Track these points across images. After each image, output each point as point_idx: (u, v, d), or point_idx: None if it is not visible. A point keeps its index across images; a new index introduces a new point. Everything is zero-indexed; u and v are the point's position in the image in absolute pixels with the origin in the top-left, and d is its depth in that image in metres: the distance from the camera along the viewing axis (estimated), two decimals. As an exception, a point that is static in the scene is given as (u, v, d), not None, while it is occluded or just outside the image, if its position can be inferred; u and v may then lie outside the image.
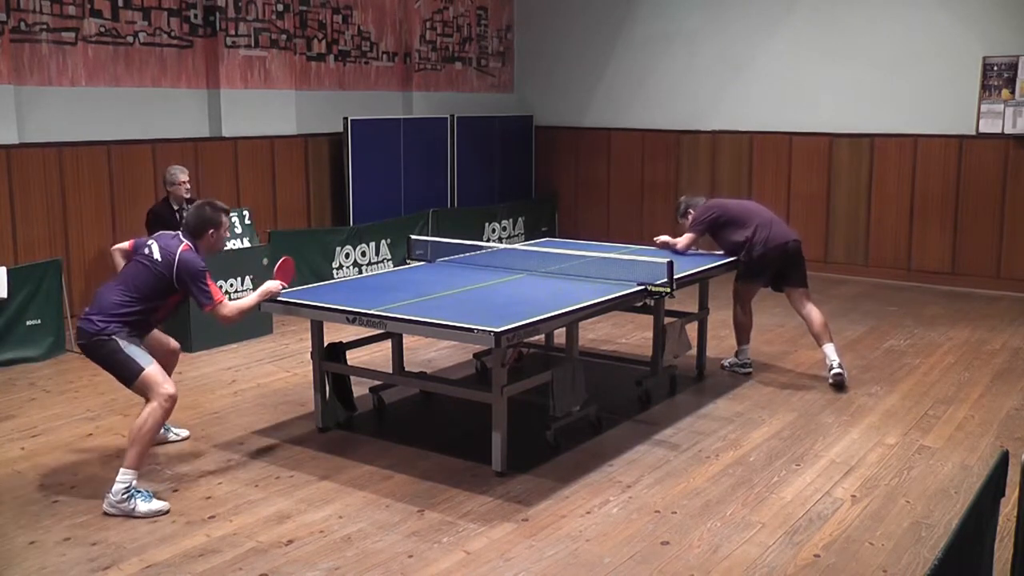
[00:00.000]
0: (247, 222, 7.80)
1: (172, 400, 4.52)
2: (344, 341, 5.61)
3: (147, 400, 4.50)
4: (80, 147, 7.75)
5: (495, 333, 4.39)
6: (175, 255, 4.62)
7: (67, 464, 4.98)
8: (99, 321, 4.52)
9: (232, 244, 7.56)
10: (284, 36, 9.18)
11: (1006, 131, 9.26)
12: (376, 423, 5.69)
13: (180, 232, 4.81)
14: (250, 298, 4.95)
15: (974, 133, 9.45)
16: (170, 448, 5.16)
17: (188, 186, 7.51)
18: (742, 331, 6.64)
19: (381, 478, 4.78)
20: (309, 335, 5.57)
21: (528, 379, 5.18)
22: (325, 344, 5.44)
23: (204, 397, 6.11)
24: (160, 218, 7.44)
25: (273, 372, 6.70)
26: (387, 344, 5.85)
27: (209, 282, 4.65)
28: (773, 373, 6.66)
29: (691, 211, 6.74)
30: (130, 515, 4.32)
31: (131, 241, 4.91)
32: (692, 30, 10.99)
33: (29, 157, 7.41)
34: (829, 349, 6.34)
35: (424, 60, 10.93)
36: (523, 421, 5.20)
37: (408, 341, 6.54)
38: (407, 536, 4.16)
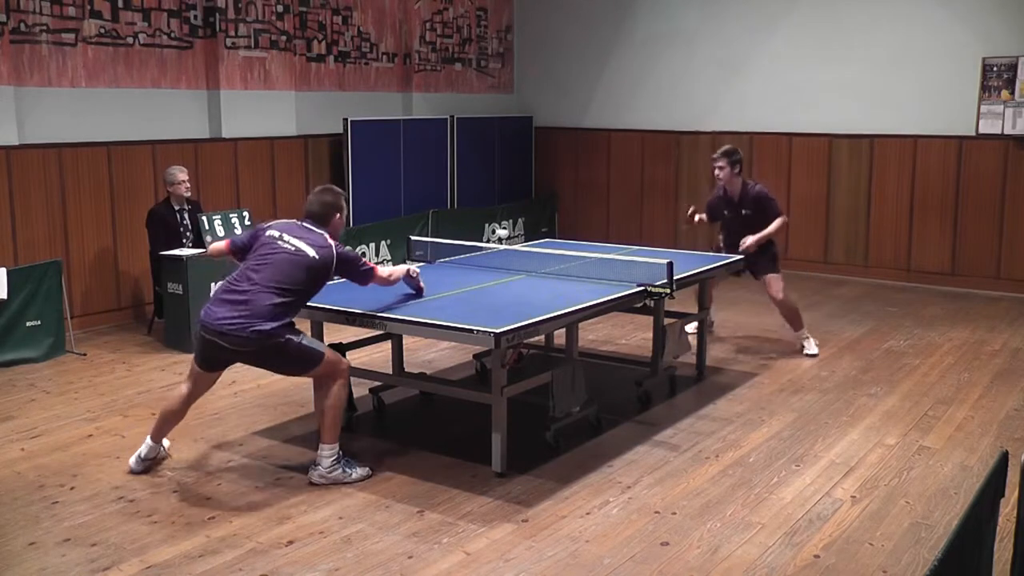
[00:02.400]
0: (247, 223, 7.80)
1: (349, 372, 4.86)
2: (344, 342, 5.60)
3: (316, 380, 4.74)
4: (80, 148, 7.75)
5: (495, 334, 4.39)
6: (332, 250, 4.69)
7: (67, 465, 4.97)
8: (269, 327, 4.46)
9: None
10: (284, 37, 9.18)
11: (1006, 132, 9.27)
12: (376, 424, 5.69)
13: (305, 222, 4.80)
14: (393, 269, 5.18)
15: (974, 134, 9.45)
16: (169, 448, 5.14)
17: (188, 186, 7.58)
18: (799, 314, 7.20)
19: (381, 479, 4.78)
20: (309, 336, 5.56)
21: (528, 380, 5.17)
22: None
23: (204, 398, 6.04)
24: (161, 218, 7.48)
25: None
26: (387, 345, 5.85)
27: (364, 260, 5.00)
28: (773, 373, 6.66)
29: (740, 166, 7.04)
30: (341, 482, 4.64)
31: (226, 241, 4.96)
32: (691, 30, 10.99)
33: (29, 158, 7.41)
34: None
35: (424, 61, 10.93)
36: (523, 422, 5.20)
37: (408, 342, 6.54)
38: (407, 537, 4.16)
